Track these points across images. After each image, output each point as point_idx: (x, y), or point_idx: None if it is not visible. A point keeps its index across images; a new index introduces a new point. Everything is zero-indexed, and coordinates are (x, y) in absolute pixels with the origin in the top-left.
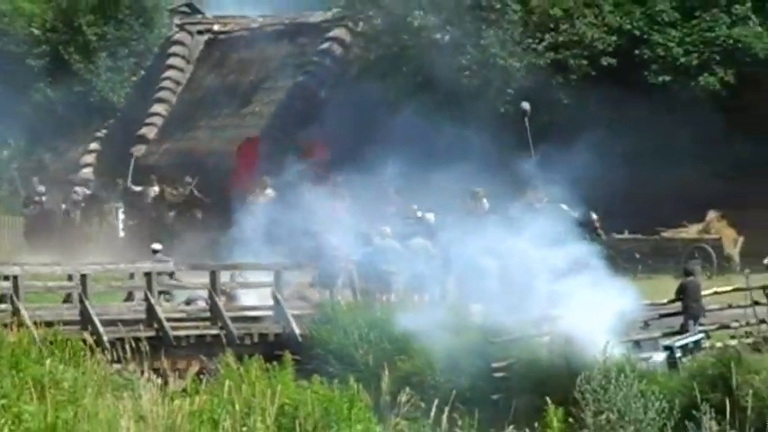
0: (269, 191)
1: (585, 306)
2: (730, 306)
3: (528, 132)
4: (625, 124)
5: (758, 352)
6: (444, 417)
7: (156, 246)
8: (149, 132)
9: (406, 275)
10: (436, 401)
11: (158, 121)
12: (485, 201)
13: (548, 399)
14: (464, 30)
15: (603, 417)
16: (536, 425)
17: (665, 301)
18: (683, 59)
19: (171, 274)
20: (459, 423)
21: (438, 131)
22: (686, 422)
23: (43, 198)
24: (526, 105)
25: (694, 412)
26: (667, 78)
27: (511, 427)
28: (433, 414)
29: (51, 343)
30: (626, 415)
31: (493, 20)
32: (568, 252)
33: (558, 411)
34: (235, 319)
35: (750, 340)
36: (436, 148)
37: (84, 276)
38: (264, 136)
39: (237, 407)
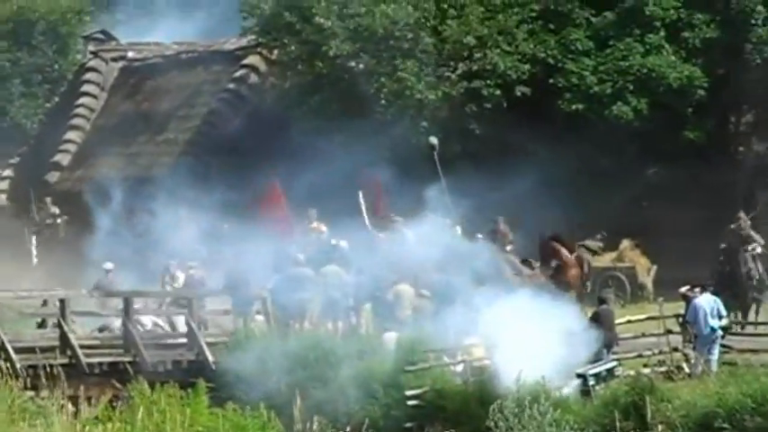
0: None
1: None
2: (644, 334)
3: (437, 165)
4: (539, 153)
5: (671, 380)
6: None
7: (108, 265)
8: (63, 159)
9: (320, 303)
10: (349, 430)
11: (72, 147)
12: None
13: (457, 428)
14: (378, 59)
15: None
16: None
17: (577, 328)
18: (596, 88)
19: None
20: None
21: (353, 160)
22: None
23: None
24: (434, 140)
25: None
26: (581, 107)
27: None
28: None
29: None
30: None
31: (406, 49)
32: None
33: None
34: (148, 347)
35: (663, 369)
36: (350, 176)
37: None
38: (180, 164)
39: None
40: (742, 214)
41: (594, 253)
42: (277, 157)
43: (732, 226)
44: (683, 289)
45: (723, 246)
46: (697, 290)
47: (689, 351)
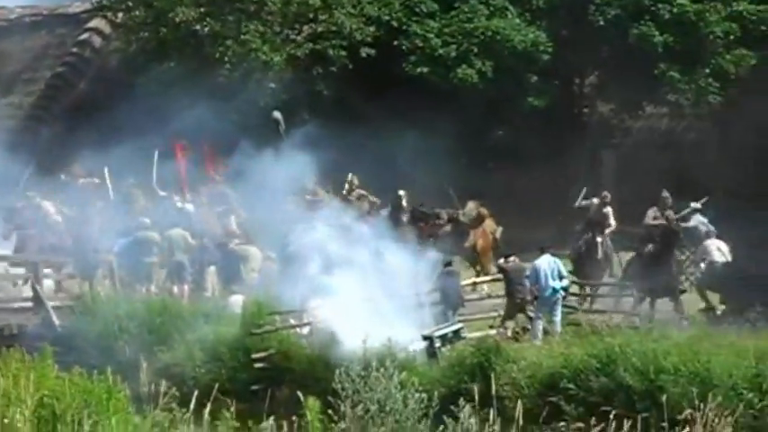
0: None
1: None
2: (489, 296)
3: (283, 138)
4: (385, 116)
5: (516, 342)
6: (207, 409)
7: None
8: None
9: (167, 266)
10: (196, 393)
11: None
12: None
13: (304, 390)
14: (224, 22)
15: (361, 407)
16: (293, 417)
17: (425, 290)
18: (441, 51)
19: None
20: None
21: (201, 125)
22: (445, 413)
23: None
24: (277, 114)
25: (452, 406)
26: (426, 70)
27: (271, 418)
28: (192, 406)
29: None
30: (386, 406)
31: (252, 11)
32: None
33: (316, 403)
34: None
35: (510, 331)
36: (198, 142)
37: None
38: (25, 127)
39: None
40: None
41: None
42: (123, 121)
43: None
44: (501, 261)
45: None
46: (512, 259)
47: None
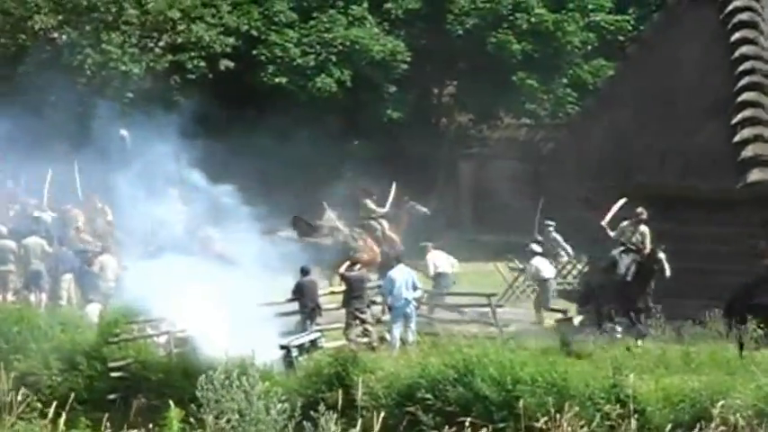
0: None
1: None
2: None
3: (128, 153)
4: (244, 126)
5: (373, 351)
6: (62, 419)
7: None
8: None
9: (23, 275)
10: (55, 403)
11: None
12: None
13: (169, 399)
14: (82, 31)
15: (225, 419)
16: (152, 426)
17: (282, 300)
18: (299, 60)
19: None
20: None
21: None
22: (304, 422)
23: None
24: (124, 133)
25: (312, 412)
26: (284, 80)
27: (132, 430)
28: (51, 414)
29: None
30: (247, 416)
31: (110, 21)
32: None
33: (179, 412)
34: None
35: (366, 340)
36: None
37: None
38: None
39: None
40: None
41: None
42: None
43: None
44: (342, 269)
45: None
46: (356, 267)
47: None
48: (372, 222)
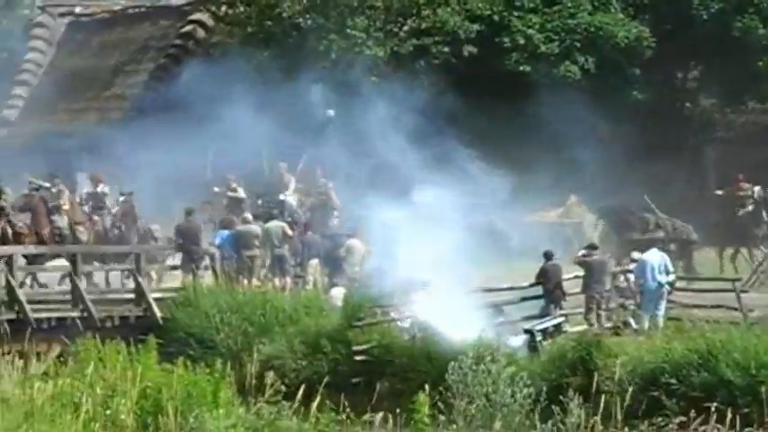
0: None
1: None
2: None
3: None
4: (484, 111)
5: (617, 336)
6: (315, 403)
7: None
8: (11, 115)
9: (268, 259)
10: (303, 387)
11: (20, 103)
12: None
13: (413, 383)
14: (327, 16)
15: (474, 406)
16: (397, 409)
17: (525, 284)
18: (543, 47)
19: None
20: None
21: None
22: (548, 408)
23: None
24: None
25: (560, 397)
26: (528, 68)
27: (380, 414)
28: (299, 398)
29: None
30: (493, 400)
31: (355, 6)
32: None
33: (426, 397)
34: (96, 302)
35: (610, 324)
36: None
37: None
38: (127, 119)
39: (99, 390)
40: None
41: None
42: (223, 113)
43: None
44: (581, 254)
45: None
46: (595, 253)
47: (634, 306)
48: None
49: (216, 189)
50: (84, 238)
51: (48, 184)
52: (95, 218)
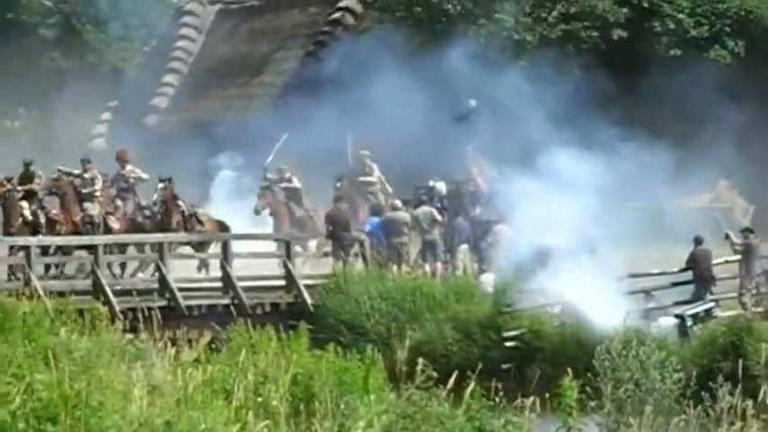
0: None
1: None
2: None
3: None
4: (635, 95)
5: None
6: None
7: None
8: (161, 102)
9: (418, 246)
10: (456, 372)
11: (170, 91)
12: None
13: (564, 369)
14: (475, 1)
15: (623, 390)
16: (547, 395)
17: (676, 269)
18: (693, 32)
19: None
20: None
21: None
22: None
23: None
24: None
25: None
26: (679, 52)
27: (531, 399)
28: (451, 384)
29: (61, 313)
30: (642, 385)
31: None
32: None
33: (574, 382)
34: (246, 289)
35: (760, 309)
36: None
37: (95, 247)
38: (277, 106)
39: (251, 376)
40: None
41: None
42: (373, 99)
43: None
44: (732, 237)
45: None
46: (752, 235)
47: None
48: None
49: (269, 176)
50: (116, 227)
51: (77, 171)
52: (119, 203)
